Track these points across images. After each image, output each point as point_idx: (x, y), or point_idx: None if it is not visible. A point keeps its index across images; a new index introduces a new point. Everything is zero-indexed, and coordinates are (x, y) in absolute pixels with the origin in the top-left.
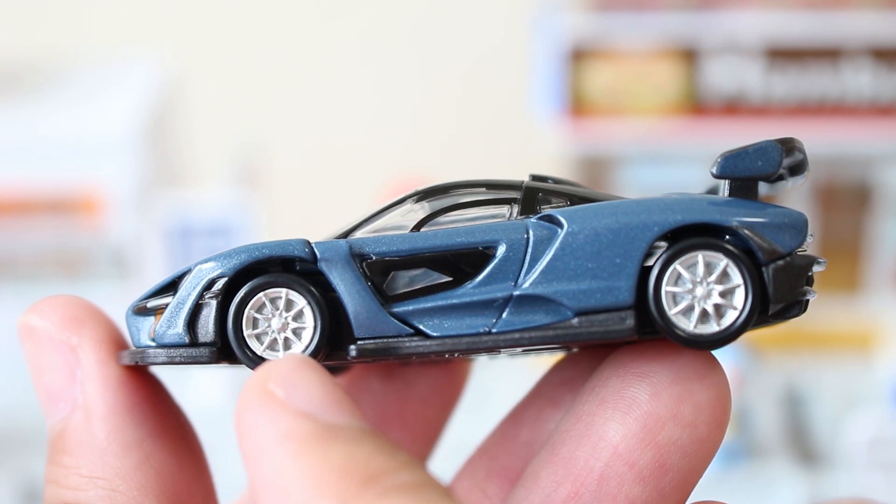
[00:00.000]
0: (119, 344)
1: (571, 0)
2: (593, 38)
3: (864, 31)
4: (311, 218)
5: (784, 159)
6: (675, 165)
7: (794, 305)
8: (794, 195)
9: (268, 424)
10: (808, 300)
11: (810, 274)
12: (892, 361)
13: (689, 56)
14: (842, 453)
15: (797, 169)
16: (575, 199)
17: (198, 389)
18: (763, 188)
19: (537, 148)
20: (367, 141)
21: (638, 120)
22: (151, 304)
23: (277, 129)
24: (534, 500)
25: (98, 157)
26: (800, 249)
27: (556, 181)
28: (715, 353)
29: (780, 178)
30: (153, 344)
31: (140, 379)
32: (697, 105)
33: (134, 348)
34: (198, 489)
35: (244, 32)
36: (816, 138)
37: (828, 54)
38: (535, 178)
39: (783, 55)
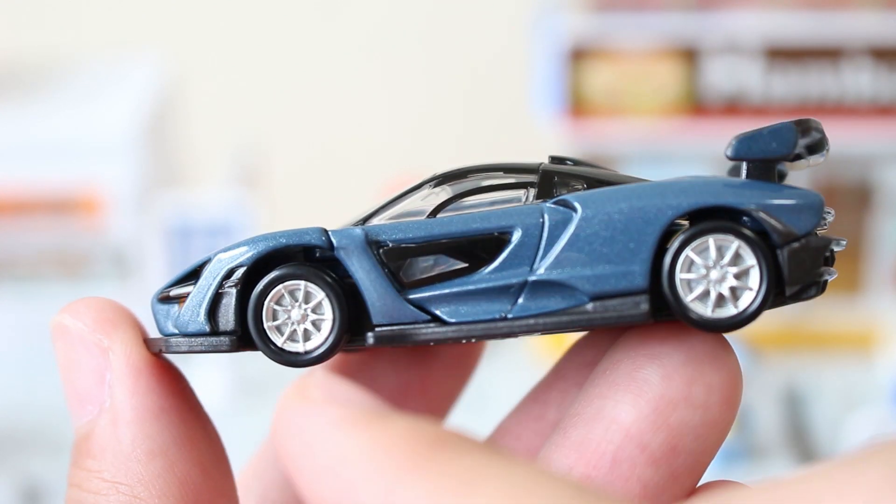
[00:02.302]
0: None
1: (571, 0)
2: (593, 38)
3: (864, 31)
4: (312, 218)
5: (800, 140)
6: (675, 165)
7: (811, 286)
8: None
9: (316, 416)
10: (826, 281)
11: (828, 254)
12: (892, 361)
13: (689, 56)
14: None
15: (815, 148)
16: (592, 181)
17: (199, 390)
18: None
19: (538, 148)
20: (367, 141)
21: (638, 120)
22: (174, 292)
23: (278, 129)
24: None
25: (98, 157)
26: (819, 229)
27: (576, 162)
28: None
29: (798, 157)
30: (176, 332)
31: (170, 384)
32: (697, 105)
33: (158, 337)
34: (221, 501)
35: (244, 33)
36: None
37: (828, 54)
38: (553, 159)
39: (783, 55)
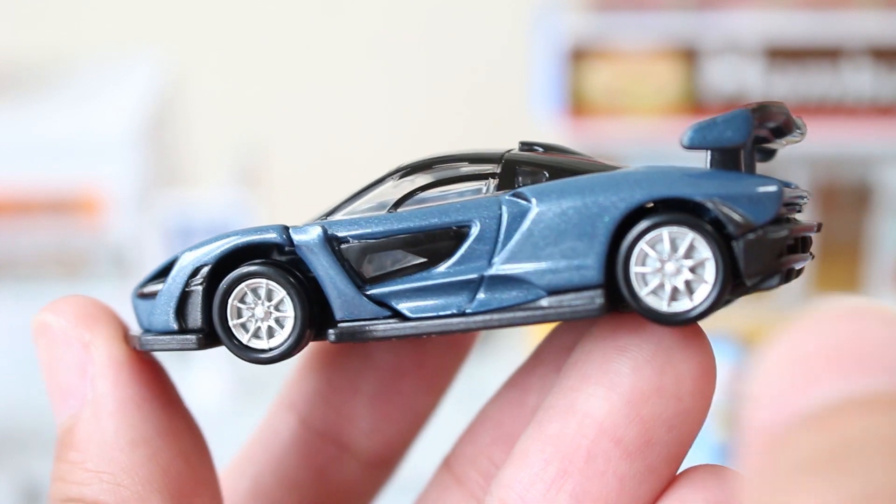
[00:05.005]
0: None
1: (571, 0)
2: (593, 38)
3: (864, 31)
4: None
5: (756, 128)
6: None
7: (772, 276)
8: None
9: None
10: (793, 269)
11: (793, 242)
12: None
13: (689, 56)
14: None
15: (782, 130)
16: (555, 171)
17: (198, 389)
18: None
19: None
20: (367, 141)
21: (638, 120)
22: (148, 289)
23: (278, 129)
24: (523, 478)
25: (98, 157)
26: (790, 214)
27: (547, 149)
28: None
29: (763, 141)
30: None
31: (151, 377)
32: (697, 105)
33: (134, 334)
34: (204, 490)
35: (244, 33)
36: (816, 138)
37: (828, 54)
38: (523, 145)
39: (783, 55)
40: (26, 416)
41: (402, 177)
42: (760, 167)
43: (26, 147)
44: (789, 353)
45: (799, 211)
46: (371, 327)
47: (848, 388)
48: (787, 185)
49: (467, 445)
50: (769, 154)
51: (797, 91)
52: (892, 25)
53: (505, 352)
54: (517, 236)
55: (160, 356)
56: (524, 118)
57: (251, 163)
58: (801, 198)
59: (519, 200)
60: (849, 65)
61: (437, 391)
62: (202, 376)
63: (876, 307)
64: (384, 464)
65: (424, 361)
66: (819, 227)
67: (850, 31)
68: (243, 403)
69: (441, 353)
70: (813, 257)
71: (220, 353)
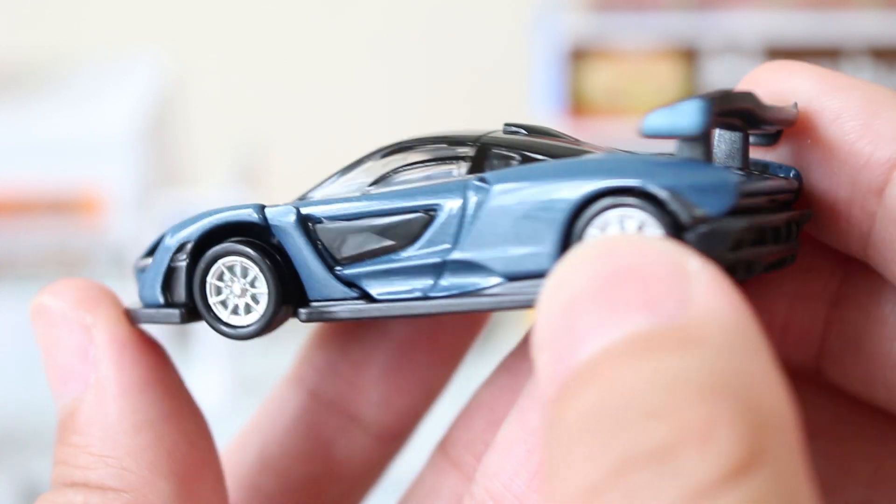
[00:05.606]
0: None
1: (571, 0)
2: (593, 38)
3: (864, 31)
4: None
5: (714, 116)
6: None
7: (735, 268)
8: None
9: None
10: (758, 262)
11: (755, 235)
12: None
13: (689, 56)
14: None
15: (756, 119)
16: (527, 155)
17: (198, 389)
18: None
19: None
20: (367, 141)
21: (638, 120)
22: (141, 263)
23: (278, 129)
24: (507, 466)
25: (98, 157)
26: (769, 204)
27: (533, 130)
28: None
29: (734, 128)
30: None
31: (154, 360)
32: None
33: (129, 307)
34: (208, 474)
35: (245, 33)
36: None
37: (828, 54)
38: (507, 127)
39: (783, 55)
40: (26, 416)
41: (382, 157)
42: (770, 154)
43: (26, 147)
44: (558, 299)
45: (783, 201)
46: (336, 308)
47: (611, 334)
48: (787, 173)
49: (462, 430)
50: (773, 138)
51: None
52: (892, 25)
53: (506, 347)
54: (479, 222)
55: (163, 340)
56: (524, 118)
57: (251, 163)
58: (793, 186)
59: (483, 185)
60: (849, 65)
61: (449, 365)
62: (202, 376)
63: (631, 238)
64: (393, 437)
65: (439, 335)
66: (807, 216)
67: (850, 31)
68: (243, 403)
69: (455, 328)
70: (799, 246)
71: (221, 352)
